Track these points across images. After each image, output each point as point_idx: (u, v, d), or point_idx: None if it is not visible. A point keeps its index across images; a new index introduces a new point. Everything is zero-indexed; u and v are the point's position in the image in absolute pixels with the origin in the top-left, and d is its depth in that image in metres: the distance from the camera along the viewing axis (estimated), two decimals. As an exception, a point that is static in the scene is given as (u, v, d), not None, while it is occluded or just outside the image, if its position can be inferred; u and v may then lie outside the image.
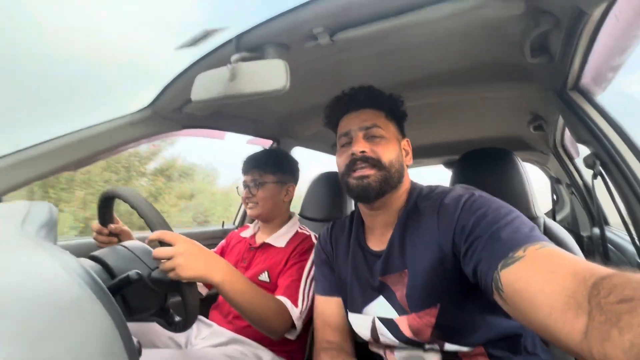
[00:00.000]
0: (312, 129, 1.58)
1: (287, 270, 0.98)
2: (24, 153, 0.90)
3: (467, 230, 0.57)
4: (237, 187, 1.17)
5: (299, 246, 1.03)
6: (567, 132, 1.37)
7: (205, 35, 0.65)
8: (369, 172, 0.70)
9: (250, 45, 0.66)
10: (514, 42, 0.73)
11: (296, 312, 0.86)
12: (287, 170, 1.15)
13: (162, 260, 0.64)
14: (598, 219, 1.32)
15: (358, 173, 0.71)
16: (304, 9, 0.58)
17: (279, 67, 0.59)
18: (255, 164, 1.11)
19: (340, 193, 1.45)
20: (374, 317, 0.72)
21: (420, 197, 0.73)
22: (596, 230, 1.53)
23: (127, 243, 0.75)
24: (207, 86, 0.67)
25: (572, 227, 1.84)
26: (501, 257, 0.49)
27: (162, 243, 0.66)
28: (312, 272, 0.96)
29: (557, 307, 0.39)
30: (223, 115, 1.28)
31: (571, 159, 1.56)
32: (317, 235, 1.09)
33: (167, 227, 0.68)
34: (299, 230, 1.11)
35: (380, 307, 0.71)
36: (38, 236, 0.44)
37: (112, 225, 0.85)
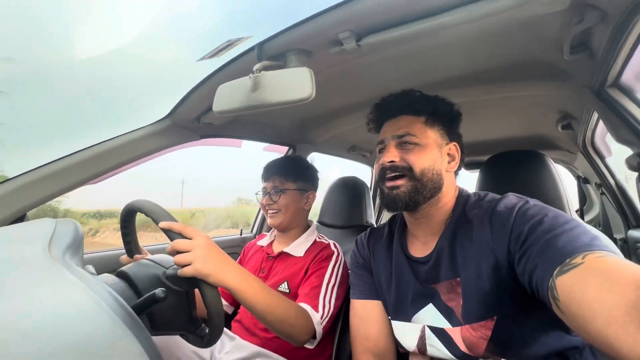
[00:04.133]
0: (328, 133, 1.56)
1: (307, 279, 0.96)
2: (48, 168, 0.91)
3: (522, 238, 0.55)
4: (256, 194, 1.15)
5: (319, 254, 1.01)
6: (598, 131, 1.31)
7: (228, 45, 0.63)
8: (399, 182, 0.70)
9: (272, 53, 0.65)
10: (550, 40, 0.69)
11: (317, 317, 0.83)
12: (307, 177, 1.13)
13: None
14: (636, 221, 1.25)
15: (389, 183, 0.71)
16: (328, 14, 0.55)
17: (304, 75, 0.56)
18: (276, 171, 1.09)
19: (359, 199, 1.41)
20: (423, 325, 0.69)
21: (469, 204, 0.70)
22: (632, 233, 1.45)
23: (152, 256, 0.75)
24: (230, 97, 0.65)
25: (603, 229, 1.75)
26: (557, 264, 0.47)
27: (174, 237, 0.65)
28: (332, 280, 0.94)
29: (617, 318, 0.37)
30: (240, 123, 1.27)
31: (602, 158, 1.48)
32: (336, 244, 1.07)
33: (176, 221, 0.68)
34: (318, 239, 1.09)
35: (430, 315, 0.68)
36: (64, 259, 0.43)
37: (137, 256, 0.83)
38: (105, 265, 1.08)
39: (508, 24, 0.62)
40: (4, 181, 0.87)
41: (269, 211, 1.08)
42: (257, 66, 0.62)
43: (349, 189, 1.43)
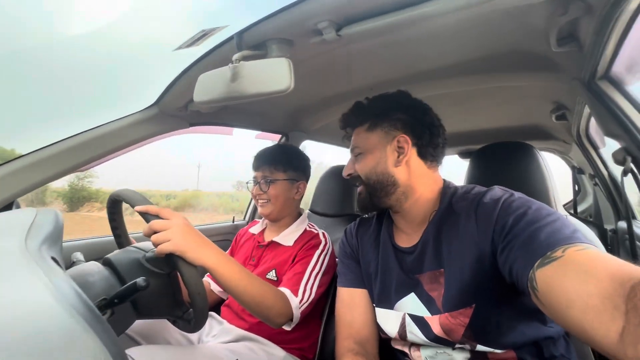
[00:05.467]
0: (321, 121, 1.55)
1: (292, 266, 0.97)
2: (36, 155, 0.91)
3: (506, 229, 0.57)
4: (247, 183, 1.16)
5: (307, 243, 1.02)
6: (593, 122, 1.29)
7: (203, 35, 0.62)
8: (360, 189, 0.78)
9: (253, 42, 0.63)
10: (537, 30, 0.67)
11: (295, 301, 0.85)
12: (298, 167, 1.12)
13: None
14: (626, 213, 1.25)
15: (358, 190, 0.79)
16: (307, 3, 0.54)
17: (283, 66, 0.55)
18: (266, 160, 1.09)
19: (350, 188, 1.41)
20: (404, 313, 0.71)
21: (456, 197, 0.71)
22: (621, 224, 1.46)
23: (139, 243, 0.76)
24: (209, 87, 0.64)
25: (595, 219, 1.76)
26: (538, 257, 0.48)
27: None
28: (317, 267, 0.95)
29: (592, 307, 0.39)
30: (231, 111, 1.26)
31: (596, 149, 1.47)
32: (325, 233, 1.08)
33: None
34: (308, 228, 1.09)
35: (412, 304, 0.70)
36: (40, 252, 0.44)
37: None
38: (96, 252, 1.10)
39: (493, 14, 0.61)
40: (-9, 168, 0.88)
41: (259, 201, 1.09)
42: (236, 56, 0.61)
43: (341, 178, 1.43)
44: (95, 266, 0.67)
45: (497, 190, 0.66)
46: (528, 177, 0.94)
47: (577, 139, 1.47)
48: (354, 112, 0.80)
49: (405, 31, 0.64)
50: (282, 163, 1.09)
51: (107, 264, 0.68)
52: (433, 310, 0.67)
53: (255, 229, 1.19)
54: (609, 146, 1.48)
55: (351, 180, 0.80)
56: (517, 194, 0.63)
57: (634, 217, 1.41)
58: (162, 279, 0.69)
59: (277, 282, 0.98)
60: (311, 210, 1.47)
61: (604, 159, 1.47)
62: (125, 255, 0.70)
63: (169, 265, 0.68)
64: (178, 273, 0.68)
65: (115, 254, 0.70)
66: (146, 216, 0.68)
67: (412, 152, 0.73)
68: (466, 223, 0.65)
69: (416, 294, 0.70)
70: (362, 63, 0.91)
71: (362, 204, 0.79)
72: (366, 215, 1.15)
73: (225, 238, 1.49)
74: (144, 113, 1.03)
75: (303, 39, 0.64)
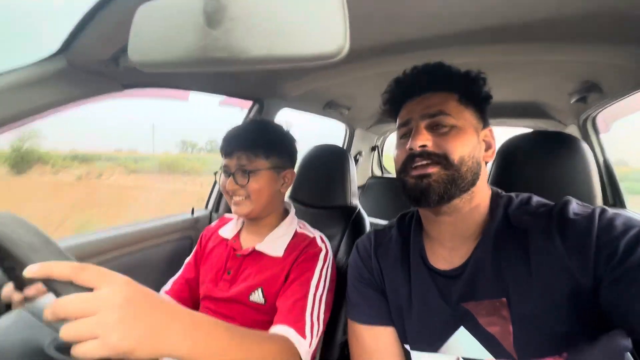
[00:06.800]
0: (303, 87, 1.23)
1: (288, 286, 0.74)
2: None
3: (616, 257, 0.45)
4: (215, 173, 0.85)
5: (302, 254, 0.79)
6: (611, 108, 1.17)
7: None
8: (431, 169, 0.56)
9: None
10: None
11: (305, 346, 0.63)
12: (283, 151, 0.84)
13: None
14: (613, 200, 1.21)
15: (417, 171, 0.57)
16: None
17: (333, 6, 0.26)
18: (241, 144, 0.79)
19: (342, 173, 1.16)
20: (457, 357, 0.55)
21: (512, 208, 0.58)
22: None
23: (42, 301, 0.45)
24: (160, 34, 0.32)
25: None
26: None
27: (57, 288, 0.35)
28: (320, 287, 0.74)
29: None
30: None
31: (597, 134, 1.39)
32: (322, 237, 0.85)
33: (66, 258, 0.39)
34: (299, 230, 0.85)
35: (465, 342, 0.55)
36: None
37: (30, 291, 0.53)
38: None
39: None
40: None
41: (235, 197, 0.80)
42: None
43: (328, 160, 1.16)
44: None
45: (576, 204, 0.54)
46: (575, 177, 0.78)
47: (582, 122, 1.36)
48: (440, 71, 0.62)
49: None
50: (264, 147, 0.80)
51: None
52: (497, 351, 0.52)
53: (227, 232, 0.90)
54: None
55: (422, 155, 0.57)
56: (609, 209, 0.50)
57: (623, 206, 1.40)
58: None
59: (264, 306, 0.75)
60: (291, 197, 1.20)
61: (602, 144, 1.40)
62: (14, 335, 0.40)
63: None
64: None
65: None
66: (52, 284, 0.36)
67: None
68: (544, 243, 0.51)
69: (467, 329, 0.55)
70: (405, 12, 0.62)
71: (434, 189, 0.56)
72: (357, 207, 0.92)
73: (184, 235, 1.17)
74: (43, 66, 0.63)
75: None
